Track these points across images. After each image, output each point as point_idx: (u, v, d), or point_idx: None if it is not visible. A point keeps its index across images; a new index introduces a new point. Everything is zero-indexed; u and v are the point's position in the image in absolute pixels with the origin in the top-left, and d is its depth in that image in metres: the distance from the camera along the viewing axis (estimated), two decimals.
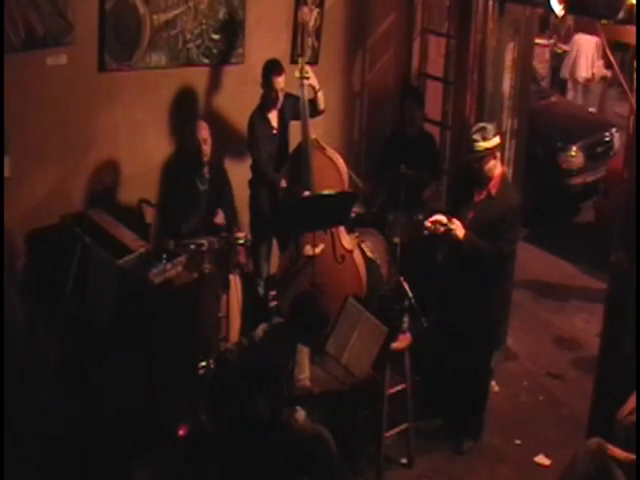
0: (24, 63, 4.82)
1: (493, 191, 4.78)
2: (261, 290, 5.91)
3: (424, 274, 5.58)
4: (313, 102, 5.65)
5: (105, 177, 5.47)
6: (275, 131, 5.71)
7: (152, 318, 4.80)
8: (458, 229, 4.72)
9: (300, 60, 5.62)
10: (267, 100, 5.62)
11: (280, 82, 5.53)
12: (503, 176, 4.84)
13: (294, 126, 5.79)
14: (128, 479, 4.55)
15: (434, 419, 5.31)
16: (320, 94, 5.66)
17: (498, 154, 4.77)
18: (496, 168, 4.76)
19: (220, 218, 5.31)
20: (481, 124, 4.82)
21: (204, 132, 5.31)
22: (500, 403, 5.59)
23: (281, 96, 5.59)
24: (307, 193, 5.47)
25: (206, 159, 5.35)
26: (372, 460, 4.87)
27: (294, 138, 5.79)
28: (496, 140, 4.71)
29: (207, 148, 5.32)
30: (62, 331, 4.89)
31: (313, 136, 5.59)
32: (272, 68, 5.52)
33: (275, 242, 5.95)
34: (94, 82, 5.25)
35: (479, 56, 5.09)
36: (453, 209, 4.94)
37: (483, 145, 4.66)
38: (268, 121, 5.68)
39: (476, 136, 4.66)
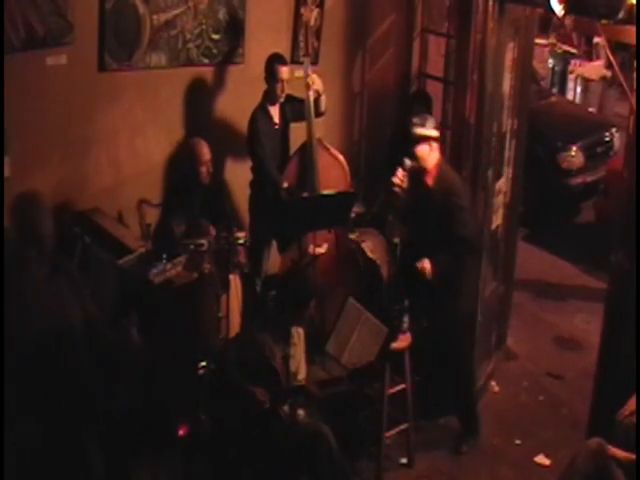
0: (24, 63, 4.81)
1: (430, 182, 4.97)
2: (259, 289, 5.91)
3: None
4: (316, 102, 5.66)
5: (105, 177, 5.46)
6: (277, 126, 5.72)
7: (152, 318, 4.80)
8: (426, 269, 4.85)
9: (305, 60, 5.64)
10: (270, 94, 5.62)
11: (284, 72, 5.54)
12: (439, 165, 5.00)
13: (297, 127, 5.79)
14: (128, 479, 4.55)
15: (434, 419, 5.32)
16: (323, 97, 5.69)
17: (434, 145, 4.95)
18: (430, 157, 4.95)
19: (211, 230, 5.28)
20: (424, 115, 5.11)
21: (206, 152, 5.30)
22: (500, 403, 5.60)
23: (285, 88, 5.59)
24: (305, 194, 5.48)
25: (205, 182, 5.34)
26: (372, 460, 4.87)
27: (298, 138, 5.79)
28: (434, 132, 4.95)
29: (206, 170, 5.30)
30: None
31: (317, 136, 5.61)
32: (277, 58, 5.56)
33: (274, 242, 5.95)
34: (94, 82, 5.24)
35: (479, 56, 5.08)
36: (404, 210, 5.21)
37: (419, 131, 4.91)
38: (270, 116, 5.68)
39: (416, 120, 4.94)
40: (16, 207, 3.78)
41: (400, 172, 5.05)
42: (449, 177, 5.02)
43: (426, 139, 4.92)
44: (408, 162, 5.02)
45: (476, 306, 5.28)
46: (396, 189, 5.08)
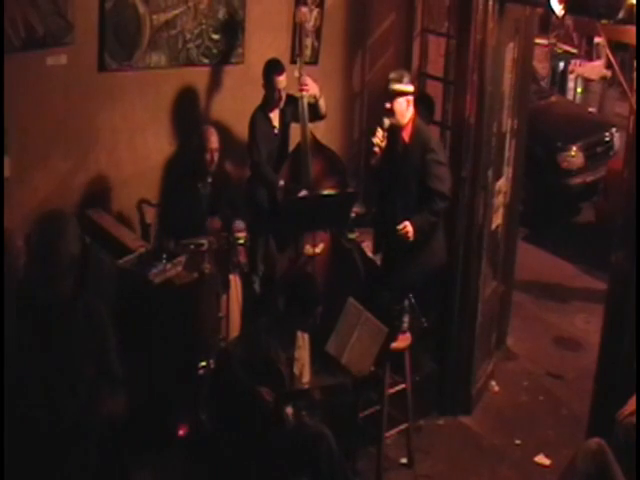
0: (24, 63, 4.81)
1: (406, 138, 5.02)
2: (257, 287, 5.91)
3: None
4: (315, 107, 5.64)
5: (105, 177, 5.46)
6: (276, 130, 5.71)
7: (152, 318, 4.80)
8: (409, 231, 4.85)
9: (299, 60, 5.64)
10: (269, 100, 5.62)
11: (281, 81, 5.53)
12: (414, 121, 5.06)
13: (293, 127, 5.79)
14: (128, 479, 4.55)
15: (434, 418, 5.33)
16: (322, 101, 5.65)
17: (411, 100, 5.02)
18: (407, 113, 5.01)
19: (216, 224, 5.28)
20: (400, 71, 5.19)
21: (214, 140, 5.29)
22: (500, 403, 5.60)
23: (283, 95, 5.59)
24: (304, 192, 5.47)
25: (213, 168, 5.34)
26: (372, 460, 4.88)
27: (293, 138, 5.79)
28: (410, 87, 5.03)
29: (215, 156, 5.30)
30: None
31: (310, 137, 5.60)
32: (273, 68, 5.53)
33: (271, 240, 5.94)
34: (94, 82, 5.25)
35: (479, 56, 5.08)
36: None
37: (396, 86, 4.98)
38: (270, 120, 5.68)
39: (392, 75, 5.03)
40: (39, 227, 3.41)
41: (379, 132, 5.07)
42: (425, 133, 5.11)
43: (403, 94, 4.99)
44: (387, 121, 5.05)
45: (444, 260, 5.26)
46: (376, 149, 5.09)
